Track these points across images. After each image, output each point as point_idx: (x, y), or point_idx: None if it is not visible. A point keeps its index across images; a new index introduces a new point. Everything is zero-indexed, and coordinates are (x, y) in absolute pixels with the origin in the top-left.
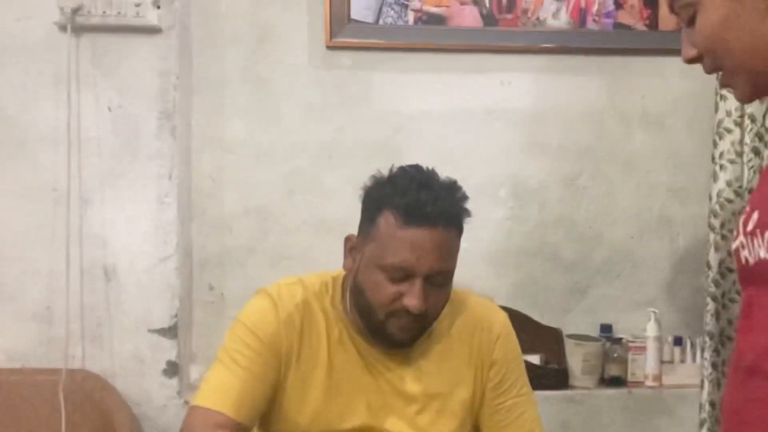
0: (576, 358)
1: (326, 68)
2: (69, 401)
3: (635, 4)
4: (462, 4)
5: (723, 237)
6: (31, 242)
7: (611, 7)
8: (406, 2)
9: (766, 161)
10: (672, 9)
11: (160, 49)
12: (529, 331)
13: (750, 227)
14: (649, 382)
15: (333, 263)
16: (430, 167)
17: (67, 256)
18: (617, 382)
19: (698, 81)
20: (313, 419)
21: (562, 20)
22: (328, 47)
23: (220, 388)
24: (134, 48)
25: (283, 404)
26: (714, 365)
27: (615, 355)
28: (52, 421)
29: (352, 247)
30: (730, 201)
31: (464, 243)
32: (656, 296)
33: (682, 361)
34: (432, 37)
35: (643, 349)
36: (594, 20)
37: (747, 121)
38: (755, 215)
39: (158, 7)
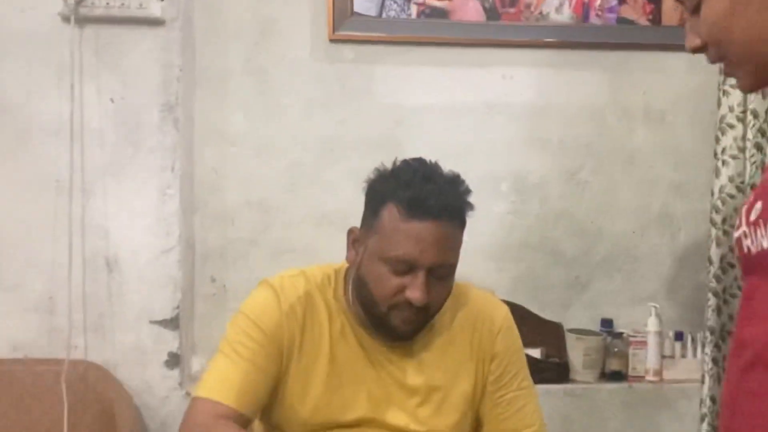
0: (577, 353)
1: (329, 61)
2: (71, 391)
3: None
4: None
5: (725, 233)
6: (33, 233)
7: (614, 1)
8: None
9: None
10: None
11: (163, 41)
12: (530, 325)
13: (753, 217)
14: (650, 377)
15: (334, 256)
16: (433, 160)
17: (70, 247)
18: (618, 376)
19: (701, 76)
20: (314, 411)
21: (565, 15)
22: (331, 40)
23: (223, 379)
24: (137, 40)
25: (285, 396)
26: (715, 360)
27: (616, 349)
28: (55, 411)
29: (355, 239)
30: (732, 197)
31: (465, 237)
32: (657, 291)
33: (683, 356)
34: (435, 30)
35: (644, 343)
36: (597, 15)
37: (750, 117)
38: (759, 205)
39: None
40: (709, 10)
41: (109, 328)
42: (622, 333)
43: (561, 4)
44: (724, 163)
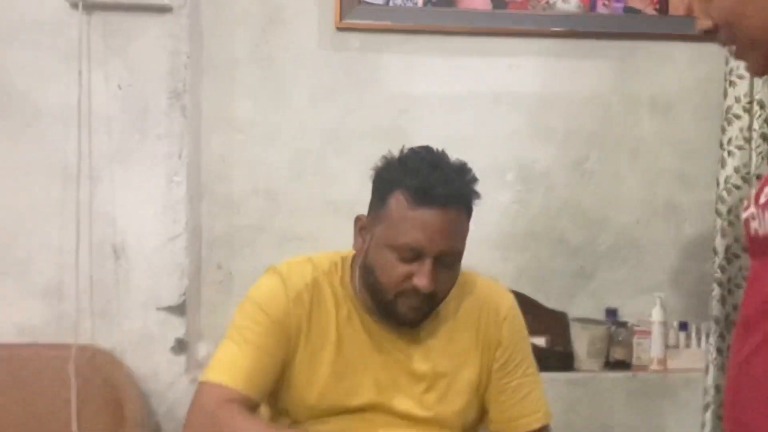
0: (581, 342)
1: (335, 50)
2: (79, 376)
3: None
4: None
5: (730, 223)
6: (41, 219)
7: None
8: None
9: None
10: None
11: (170, 28)
12: (535, 314)
13: (763, 200)
14: (654, 366)
15: (340, 244)
16: (440, 149)
17: (77, 233)
18: (622, 365)
19: (707, 67)
20: (321, 396)
21: (572, 4)
22: (338, 28)
23: (230, 363)
24: (145, 27)
25: (292, 381)
26: (719, 350)
27: (620, 338)
28: (62, 396)
29: (362, 227)
30: (737, 187)
31: (471, 226)
32: (662, 281)
33: (687, 346)
34: (441, 19)
35: (648, 333)
36: (604, 4)
37: (756, 107)
38: None
39: None
40: None
41: (116, 314)
42: (626, 322)
43: None
44: (729, 153)
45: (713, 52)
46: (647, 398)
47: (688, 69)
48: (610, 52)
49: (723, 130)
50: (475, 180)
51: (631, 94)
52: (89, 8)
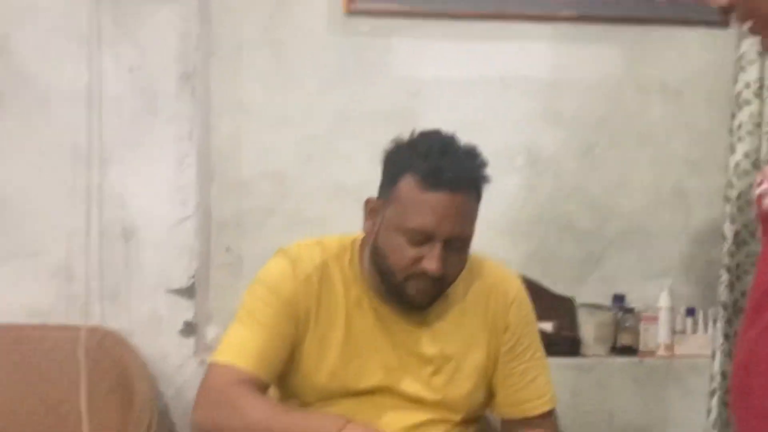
0: (588, 327)
1: (344, 34)
2: (88, 357)
3: None
4: None
5: (739, 209)
6: (51, 200)
7: None
8: None
9: None
10: None
11: (180, 11)
12: (542, 300)
13: None
14: (661, 352)
15: (349, 228)
16: (450, 132)
17: (87, 215)
18: (629, 351)
19: (717, 52)
20: (330, 378)
21: None
22: (347, 12)
23: (240, 344)
24: (155, 9)
25: (301, 363)
26: (726, 336)
27: (627, 324)
28: (71, 377)
29: (371, 209)
30: (747, 173)
31: (479, 211)
32: (670, 267)
33: (694, 331)
34: (451, 3)
35: (656, 319)
36: None
37: (766, 93)
38: None
39: None
40: None
41: (125, 296)
42: (633, 308)
43: None
44: (739, 139)
45: (724, 37)
46: (654, 384)
47: (698, 54)
48: (620, 37)
49: (733, 116)
50: (485, 164)
51: (641, 79)
52: None
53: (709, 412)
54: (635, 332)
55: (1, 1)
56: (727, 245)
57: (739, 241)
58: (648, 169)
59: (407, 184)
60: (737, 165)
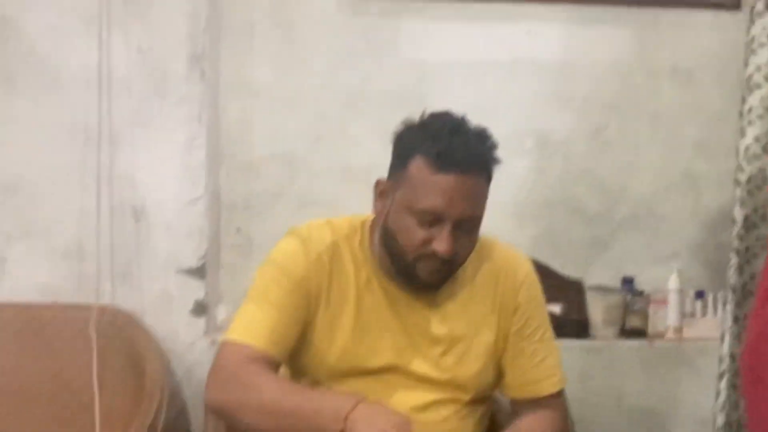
0: (597, 310)
1: (354, 15)
2: (100, 336)
3: None
4: None
5: (749, 192)
6: (62, 180)
7: None
8: None
9: None
10: None
11: None
12: (551, 282)
13: None
14: (670, 335)
15: (358, 210)
16: (460, 114)
17: (98, 195)
18: (638, 333)
19: (728, 35)
20: (340, 358)
21: None
22: None
23: (252, 323)
24: None
25: (312, 342)
26: (735, 319)
27: (636, 307)
28: (83, 355)
29: (382, 191)
30: (757, 157)
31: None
32: (679, 250)
33: (703, 314)
34: None
35: (665, 302)
36: None
37: None
38: None
39: None
40: None
41: (136, 275)
42: (642, 291)
43: None
44: (750, 122)
45: (735, 20)
46: (662, 366)
47: (709, 37)
48: (631, 19)
49: (743, 99)
50: (495, 145)
51: (651, 62)
52: None
53: (717, 394)
54: (644, 315)
55: None
56: (737, 229)
57: (748, 225)
58: (658, 152)
59: (417, 166)
60: (747, 149)
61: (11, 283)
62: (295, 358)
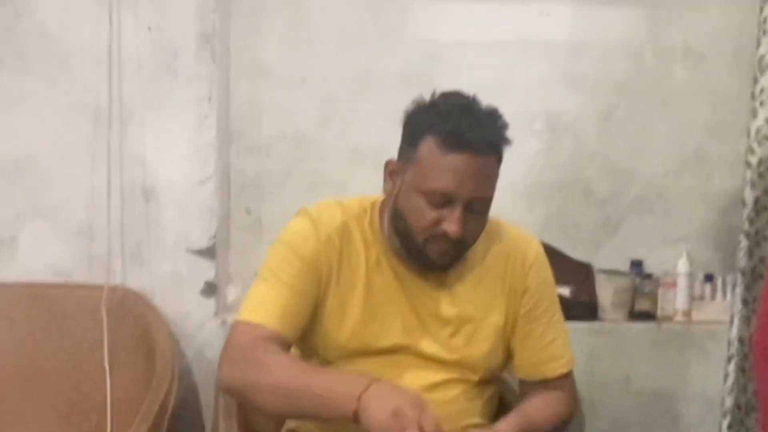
0: (606, 292)
1: None
2: (111, 316)
3: None
4: None
5: (760, 175)
6: (72, 160)
7: None
8: None
9: None
10: None
11: None
12: (560, 265)
13: None
14: (679, 318)
15: (368, 190)
16: (471, 94)
17: (108, 175)
18: (646, 316)
19: (741, 15)
20: (350, 337)
21: None
22: None
23: (263, 302)
24: None
25: (323, 322)
26: (745, 302)
27: (645, 290)
28: (94, 335)
29: (392, 171)
30: None
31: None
32: (689, 233)
33: (713, 297)
34: None
35: (674, 285)
36: None
37: None
38: None
39: None
40: None
41: (146, 256)
42: (651, 274)
43: None
44: (761, 104)
45: (747, 1)
46: (671, 349)
47: (721, 18)
48: None
49: (755, 80)
50: (506, 126)
51: (662, 42)
52: None
53: (726, 377)
54: (653, 298)
55: None
56: (747, 211)
57: (759, 208)
58: (668, 134)
59: (428, 146)
60: (758, 130)
61: (22, 262)
62: (305, 338)
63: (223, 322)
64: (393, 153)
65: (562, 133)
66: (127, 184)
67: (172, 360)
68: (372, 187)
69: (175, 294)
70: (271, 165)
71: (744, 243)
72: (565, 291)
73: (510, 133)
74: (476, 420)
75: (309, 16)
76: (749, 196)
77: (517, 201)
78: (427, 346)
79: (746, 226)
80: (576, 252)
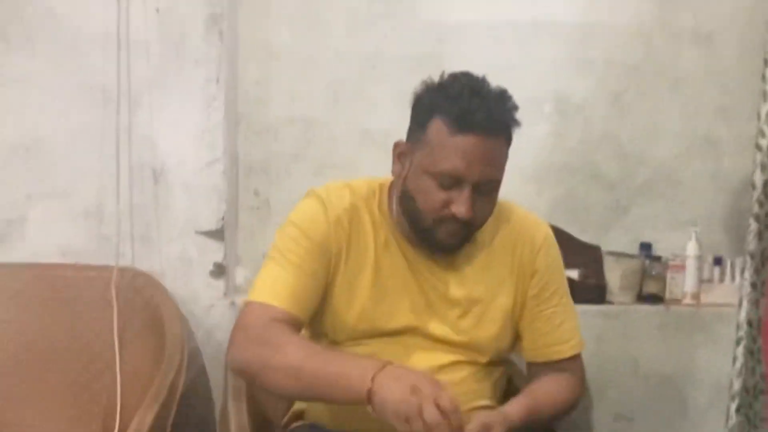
0: (614, 275)
1: None
2: (120, 297)
3: None
4: None
5: None
6: (81, 142)
7: None
8: None
9: None
10: None
11: None
12: (569, 247)
13: None
14: (687, 301)
15: (376, 173)
16: (480, 75)
17: (117, 157)
18: (655, 299)
19: None
20: (359, 319)
21: None
22: None
23: (274, 283)
24: None
25: (332, 304)
26: (753, 285)
27: (654, 272)
28: (104, 316)
29: (400, 152)
30: None
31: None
32: (698, 216)
33: (721, 280)
34: None
35: (683, 267)
36: None
37: None
38: None
39: None
40: None
41: (155, 237)
42: (660, 257)
43: None
44: None
45: None
46: (679, 332)
47: (731, 0)
48: None
49: (765, 62)
50: (515, 107)
51: (672, 25)
52: None
53: (734, 360)
54: (662, 280)
55: None
56: (757, 194)
57: None
58: (678, 117)
59: (437, 127)
60: None
61: (32, 244)
62: (314, 320)
63: (232, 304)
64: (402, 135)
65: (572, 115)
66: (136, 165)
67: (181, 341)
68: (381, 170)
69: (184, 275)
70: (279, 147)
71: (753, 226)
72: (574, 274)
73: (519, 116)
74: (484, 402)
75: None
76: (759, 178)
77: (526, 184)
78: (436, 327)
79: (756, 208)
80: (585, 235)
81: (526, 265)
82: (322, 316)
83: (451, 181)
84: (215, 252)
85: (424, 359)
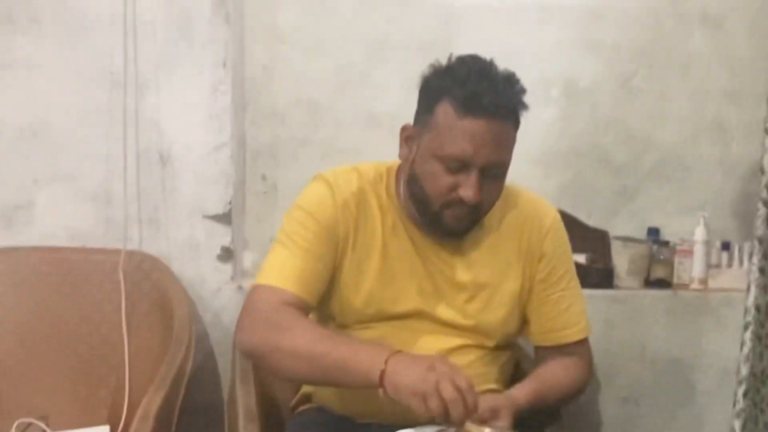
0: (622, 259)
1: None
2: (128, 280)
3: None
4: None
5: None
6: (88, 125)
7: None
8: None
9: None
10: None
11: None
12: (576, 232)
13: None
14: (695, 285)
15: (383, 157)
16: (488, 58)
17: (124, 140)
18: (662, 284)
19: None
20: (367, 302)
21: None
22: None
23: (282, 267)
24: None
25: (339, 287)
26: (762, 270)
27: (661, 257)
28: (112, 298)
29: (408, 136)
30: None
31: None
32: (706, 200)
33: (729, 265)
34: None
35: (690, 252)
36: None
37: None
38: None
39: None
40: None
41: (163, 221)
42: (668, 242)
43: None
44: None
45: None
46: (687, 317)
47: None
48: None
49: None
50: (523, 91)
51: (681, 8)
52: None
53: (742, 345)
54: (669, 265)
55: None
56: (765, 179)
57: None
58: (687, 101)
59: (444, 111)
60: None
61: (40, 227)
62: (321, 303)
63: (240, 287)
64: (409, 119)
65: (580, 99)
66: (143, 149)
67: (189, 324)
68: (388, 154)
69: (192, 259)
70: (286, 131)
71: (762, 211)
72: (581, 258)
73: (527, 99)
74: (491, 386)
75: None
76: (767, 163)
77: (534, 168)
78: (443, 311)
79: (764, 193)
80: (592, 219)
81: (534, 249)
82: (329, 300)
83: (458, 165)
84: (222, 236)
85: (432, 343)
